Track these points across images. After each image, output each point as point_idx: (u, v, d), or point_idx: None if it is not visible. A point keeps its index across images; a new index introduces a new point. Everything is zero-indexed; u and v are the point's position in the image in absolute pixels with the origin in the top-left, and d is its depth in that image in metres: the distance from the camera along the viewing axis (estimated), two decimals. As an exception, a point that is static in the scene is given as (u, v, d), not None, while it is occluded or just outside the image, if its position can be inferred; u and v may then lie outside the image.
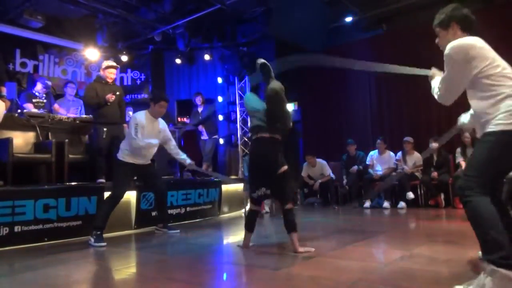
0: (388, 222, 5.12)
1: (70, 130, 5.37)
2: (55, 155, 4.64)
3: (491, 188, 2.01)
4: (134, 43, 8.49)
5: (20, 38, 7.33)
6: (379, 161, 6.87)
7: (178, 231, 4.29)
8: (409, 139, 6.62)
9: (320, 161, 7.16)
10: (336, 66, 2.61)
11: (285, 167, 3.09)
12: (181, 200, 5.25)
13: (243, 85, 8.47)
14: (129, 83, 9.25)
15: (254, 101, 3.36)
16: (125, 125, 5.07)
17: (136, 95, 9.06)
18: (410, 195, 6.22)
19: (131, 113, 6.37)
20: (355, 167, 6.97)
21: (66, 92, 6.40)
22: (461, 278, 2.04)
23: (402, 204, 6.27)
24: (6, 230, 3.53)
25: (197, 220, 5.43)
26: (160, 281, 2.34)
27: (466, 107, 2.28)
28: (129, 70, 9.20)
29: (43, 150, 4.75)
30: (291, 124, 3.34)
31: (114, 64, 5.17)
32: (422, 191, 6.52)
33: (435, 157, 6.42)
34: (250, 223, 3.28)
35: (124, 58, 8.44)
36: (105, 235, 3.75)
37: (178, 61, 8.58)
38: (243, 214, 6.05)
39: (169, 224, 4.46)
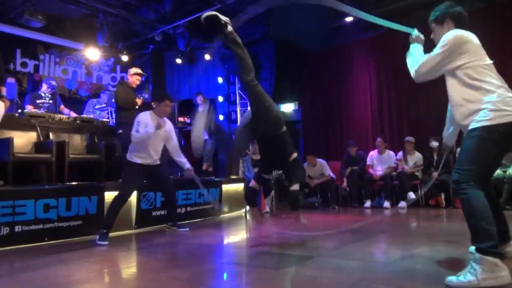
0: (388, 222, 5.11)
1: (70, 129, 5.38)
2: (55, 155, 4.65)
3: (483, 182, 2.16)
4: (135, 43, 8.50)
5: (21, 38, 7.34)
6: (379, 161, 6.86)
7: (187, 229, 4.37)
8: (410, 139, 6.61)
9: (320, 161, 7.16)
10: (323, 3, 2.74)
11: (295, 155, 3.28)
12: (181, 200, 5.25)
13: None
14: (130, 83, 9.24)
15: None
16: None
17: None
18: (412, 195, 6.21)
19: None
20: (348, 169, 6.96)
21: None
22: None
23: (402, 204, 6.26)
24: (6, 229, 3.53)
25: (198, 220, 5.43)
26: (160, 281, 2.34)
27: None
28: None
29: (43, 150, 4.75)
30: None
31: (141, 72, 5.46)
32: (422, 191, 6.51)
33: (435, 157, 6.42)
34: (253, 199, 3.51)
35: (125, 58, 8.45)
36: (105, 235, 3.75)
37: (178, 61, 8.58)
38: (243, 214, 6.06)
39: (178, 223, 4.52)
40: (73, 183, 4.57)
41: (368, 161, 6.96)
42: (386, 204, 6.37)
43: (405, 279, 2.20)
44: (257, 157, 6.39)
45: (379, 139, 6.92)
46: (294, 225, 4.29)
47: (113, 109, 7.05)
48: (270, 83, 8.56)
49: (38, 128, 5.00)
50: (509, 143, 2.14)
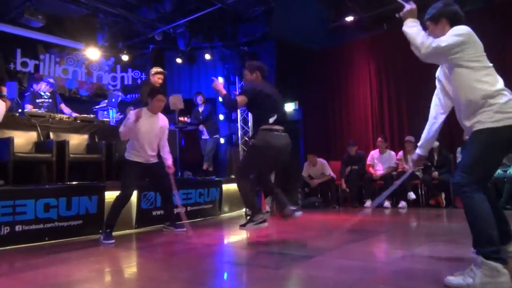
0: (389, 221, 5.11)
1: (71, 129, 5.38)
2: (56, 154, 4.64)
3: (484, 181, 2.17)
4: (135, 42, 8.50)
5: (21, 37, 7.34)
6: (380, 160, 6.86)
7: (185, 229, 4.31)
8: (410, 138, 6.61)
9: (320, 160, 7.16)
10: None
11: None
12: (181, 200, 5.24)
13: (243, 84, 8.47)
14: (130, 82, 9.26)
15: None
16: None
17: (136, 95, 9.05)
18: (412, 195, 6.21)
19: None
20: (348, 168, 6.96)
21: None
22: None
23: (403, 203, 6.27)
24: (7, 229, 3.54)
25: (198, 219, 5.43)
26: (160, 281, 2.34)
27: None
28: (129, 70, 9.21)
29: (44, 150, 4.75)
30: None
31: (161, 70, 5.64)
32: (423, 191, 6.52)
33: (435, 157, 6.42)
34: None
35: (125, 57, 8.45)
36: (105, 235, 3.75)
37: (178, 60, 8.58)
38: (243, 214, 6.05)
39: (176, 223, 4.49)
40: (74, 182, 4.57)
41: (369, 161, 6.96)
42: (387, 203, 6.38)
43: (406, 278, 2.20)
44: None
45: (379, 138, 6.93)
46: (294, 225, 4.30)
47: (113, 109, 7.05)
48: (270, 83, 8.55)
49: (39, 128, 5.00)
50: (511, 146, 2.13)
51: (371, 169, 6.84)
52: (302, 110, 8.87)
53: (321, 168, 7.11)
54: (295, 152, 8.32)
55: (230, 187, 6.22)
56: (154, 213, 4.78)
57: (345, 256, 2.87)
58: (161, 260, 3.00)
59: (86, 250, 3.41)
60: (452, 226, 4.60)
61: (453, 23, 2.25)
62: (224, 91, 3.57)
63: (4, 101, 3.83)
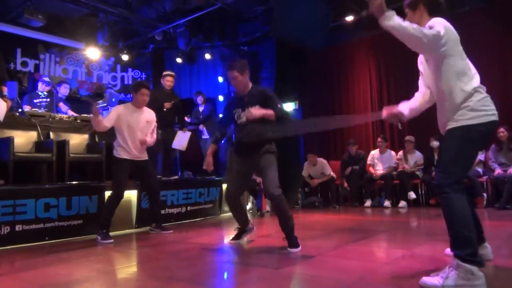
0: (389, 221, 5.11)
1: (71, 129, 5.38)
2: (56, 154, 4.64)
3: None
4: (135, 42, 8.49)
5: (21, 37, 7.34)
6: (380, 160, 6.86)
7: (171, 231, 4.25)
8: (410, 138, 6.61)
9: (321, 160, 7.16)
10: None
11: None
12: (182, 199, 5.25)
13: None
14: (130, 82, 9.25)
15: None
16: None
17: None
18: (412, 195, 6.21)
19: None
20: (349, 169, 6.96)
21: (58, 91, 6.37)
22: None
23: (403, 203, 6.27)
24: (7, 229, 3.54)
25: (198, 219, 5.44)
26: (161, 280, 2.34)
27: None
28: (129, 69, 9.20)
29: (44, 149, 4.75)
30: None
31: (169, 72, 5.82)
32: (423, 191, 6.52)
33: (436, 156, 6.41)
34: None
35: (125, 57, 8.44)
36: (106, 234, 3.75)
37: (178, 60, 8.57)
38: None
39: (168, 224, 4.45)
40: (74, 182, 4.57)
41: (369, 160, 6.96)
42: (387, 203, 6.38)
43: (406, 278, 2.20)
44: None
45: (379, 138, 6.92)
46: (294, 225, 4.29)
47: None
48: (270, 82, 8.54)
49: (39, 128, 5.00)
50: (486, 141, 2.16)
51: (371, 169, 6.84)
52: (302, 110, 8.86)
53: (321, 168, 7.11)
54: (295, 152, 8.33)
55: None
56: (154, 212, 4.78)
57: (345, 256, 2.87)
58: (161, 260, 3.00)
59: (86, 250, 3.41)
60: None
61: (431, 11, 2.21)
62: (270, 113, 3.04)
63: (5, 101, 3.83)
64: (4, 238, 3.50)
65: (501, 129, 5.72)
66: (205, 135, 7.24)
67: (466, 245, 1.94)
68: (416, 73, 2.50)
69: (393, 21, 2.03)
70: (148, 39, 8.26)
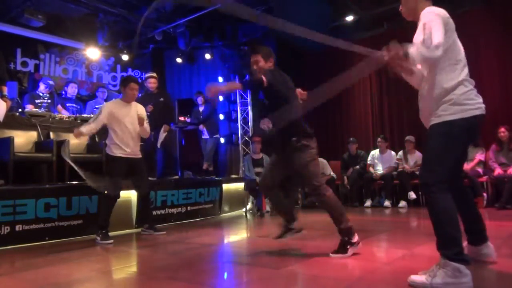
0: (389, 221, 5.11)
1: (71, 129, 5.37)
2: (56, 154, 4.64)
3: (453, 177, 2.11)
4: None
5: (21, 37, 7.33)
6: (380, 160, 6.85)
7: (164, 232, 4.22)
8: (410, 138, 6.61)
9: (321, 160, 7.15)
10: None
11: None
12: (182, 199, 5.25)
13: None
14: (130, 82, 9.22)
15: None
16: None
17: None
18: (412, 195, 6.21)
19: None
20: (350, 170, 6.96)
21: (67, 91, 6.41)
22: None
23: (403, 203, 6.26)
24: (7, 229, 3.54)
25: (198, 219, 5.44)
26: (161, 280, 2.35)
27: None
28: (129, 69, 9.19)
29: (44, 149, 4.75)
30: None
31: (150, 74, 5.86)
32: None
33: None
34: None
35: (125, 57, 8.44)
36: (106, 234, 3.75)
37: (179, 60, 8.57)
38: (244, 213, 6.06)
39: (168, 224, 4.44)
40: (74, 182, 4.57)
41: (369, 160, 6.95)
42: (387, 203, 6.37)
43: (406, 278, 2.20)
44: (258, 156, 6.39)
45: (379, 138, 6.92)
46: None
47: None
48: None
49: (39, 128, 5.00)
50: (471, 136, 2.10)
51: (371, 169, 6.84)
52: (302, 110, 8.86)
53: (321, 168, 7.11)
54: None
55: (230, 187, 6.23)
56: (154, 212, 4.78)
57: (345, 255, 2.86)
58: (161, 260, 3.00)
59: (87, 250, 3.41)
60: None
61: None
62: (234, 85, 3.08)
63: (5, 100, 3.83)
64: (4, 238, 3.51)
65: (502, 129, 5.71)
66: (205, 135, 7.23)
67: (452, 245, 1.94)
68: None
69: (411, 55, 2.02)
70: (148, 39, 8.25)
